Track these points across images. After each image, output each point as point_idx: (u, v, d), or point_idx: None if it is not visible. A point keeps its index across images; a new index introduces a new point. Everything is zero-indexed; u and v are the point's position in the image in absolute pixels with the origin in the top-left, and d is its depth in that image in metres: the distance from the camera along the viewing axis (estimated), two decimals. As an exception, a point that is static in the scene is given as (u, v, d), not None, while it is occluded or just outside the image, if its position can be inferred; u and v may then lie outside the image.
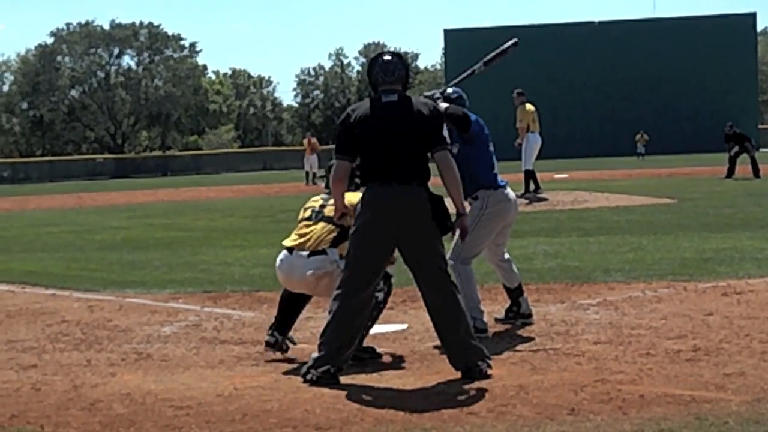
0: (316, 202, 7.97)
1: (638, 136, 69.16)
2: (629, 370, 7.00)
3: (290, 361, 7.80)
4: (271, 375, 7.33)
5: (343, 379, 7.04)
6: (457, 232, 7.38)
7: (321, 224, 7.74)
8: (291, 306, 8.01)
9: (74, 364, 7.98)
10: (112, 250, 17.56)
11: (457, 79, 8.78)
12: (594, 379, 6.74)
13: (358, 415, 6.09)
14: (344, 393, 6.66)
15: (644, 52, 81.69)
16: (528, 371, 7.11)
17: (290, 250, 7.76)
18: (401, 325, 9.07)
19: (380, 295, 7.66)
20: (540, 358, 7.56)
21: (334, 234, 7.66)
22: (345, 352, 7.07)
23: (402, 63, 7.33)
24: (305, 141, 47.74)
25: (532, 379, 6.81)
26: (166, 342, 8.81)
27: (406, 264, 7.20)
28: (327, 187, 7.99)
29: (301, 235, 7.78)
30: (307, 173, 45.27)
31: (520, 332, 8.59)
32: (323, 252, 7.64)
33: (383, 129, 7.08)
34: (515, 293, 9.00)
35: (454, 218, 7.24)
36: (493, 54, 8.81)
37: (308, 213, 7.90)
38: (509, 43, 8.86)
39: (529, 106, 24.20)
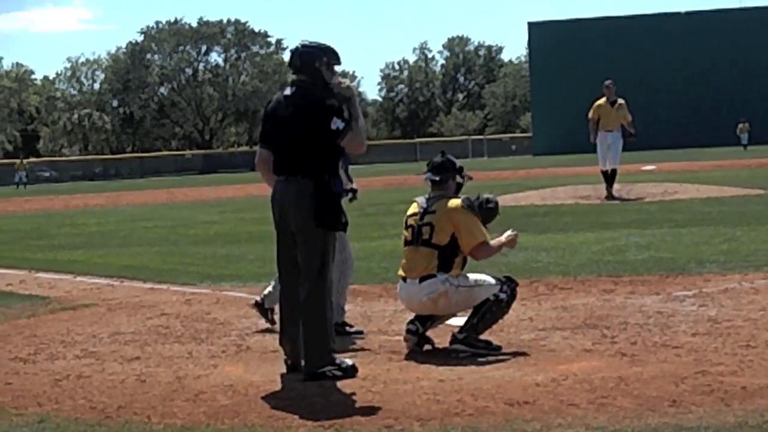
0: (414, 218, 7.96)
1: (741, 126, 67.50)
2: (730, 361, 6.95)
3: (391, 352, 7.88)
4: (369, 366, 7.37)
5: (442, 371, 7.11)
6: None
7: (420, 249, 7.82)
8: None
9: (176, 356, 8.14)
10: (206, 245, 17.84)
11: None
12: (694, 370, 6.70)
13: (459, 407, 6.12)
14: (443, 385, 6.71)
15: (732, 42, 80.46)
16: (627, 363, 7.08)
17: (404, 278, 7.91)
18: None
19: (502, 296, 7.77)
20: (638, 349, 7.52)
21: (436, 258, 7.74)
22: (285, 345, 7.38)
23: (297, 53, 7.43)
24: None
25: (631, 371, 6.79)
26: (264, 334, 8.92)
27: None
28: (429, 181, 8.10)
29: (407, 261, 7.90)
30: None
31: (616, 325, 8.55)
32: (432, 275, 7.74)
33: (277, 123, 7.37)
34: None
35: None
36: None
37: (408, 233, 7.94)
38: None
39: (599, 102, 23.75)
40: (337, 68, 7.51)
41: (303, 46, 7.45)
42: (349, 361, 7.25)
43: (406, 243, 7.98)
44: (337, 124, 7.14)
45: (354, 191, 8.38)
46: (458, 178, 8.08)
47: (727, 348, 7.40)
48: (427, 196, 8.06)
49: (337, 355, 7.26)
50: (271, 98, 7.69)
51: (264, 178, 7.80)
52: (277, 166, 7.42)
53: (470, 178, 8.23)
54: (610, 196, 22.98)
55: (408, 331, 7.92)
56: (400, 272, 7.99)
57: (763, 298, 9.42)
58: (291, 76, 7.57)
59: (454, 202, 7.87)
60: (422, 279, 7.76)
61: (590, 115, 23.60)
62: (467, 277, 7.82)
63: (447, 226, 7.78)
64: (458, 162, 8.17)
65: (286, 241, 7.33)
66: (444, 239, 7.76)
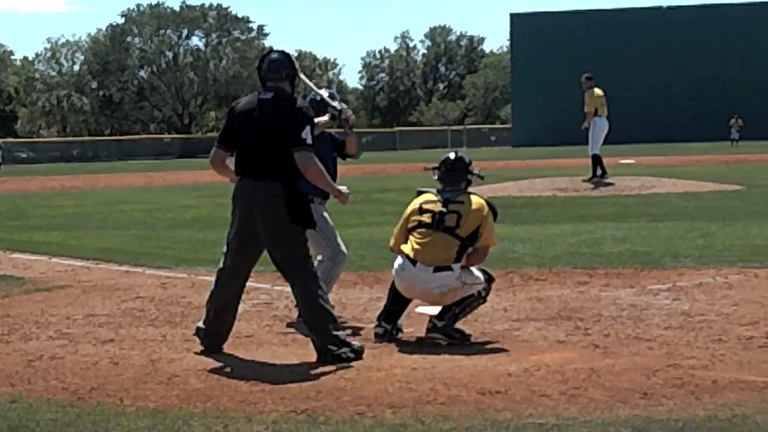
0: (434, 205, 7.87)
1: (732, 121, 67.27)
2: (701, 355, 7.00)
3: (364, 340, 7.88)
4: (343, 354, 7.38)
5: (415, 359, 7.13)
6: None
7: (441, 236, 7.74)
8: (403, 297, 7.96)
9: (150, 339, 8.14)
10: (182, 229, 17.82)
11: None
12: (666, 364, 6.74)
13: (431, 395, 6.14)
14: (416, 373, 6.73)
15: (715, 37, 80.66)
16: (599, 355, 7.12)
17: (413, 261, 7.74)
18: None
19: (484, 292, 7.87)
20: (611, 342, 7.57)
21: (456, 248, 7.71)
22: (214, 340, 7.61)
23: (288, 61, 7.53)
24: None
25: (603, 363, 6.83)
26: (239, 319, 8.85)
27: (270, 257, 7.50)
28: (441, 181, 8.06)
29: (422, 245, 7.75)
30: None
31: (590, 317, 8.59)
32: (448, 268, 7.68)
33: (249, 125, 7.37)
34: None
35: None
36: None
37: (427, 218, 7.82)
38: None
39: (597, 91, 24.05)
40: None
41: (286, 54, 7.57)
42: (357, 344, 7.34)
43: (422, 226, 7.81)
44: (306, 135, 7.25)
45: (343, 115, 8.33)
46: (468, 176, 8.08)
47: (699, 342, 7.46)
48: (440, 189, 8.01)
49: (346, 337, 7.36)
50: (239, 100, 7.76)
51: (221, 174, 7.81)
52: (242, 167, 7.45)
53: (481, 177, 8.26)
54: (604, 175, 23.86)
55: (376, 335, 7.88)
56: (408, 250, 7.79)
57: (736, 294, 9.48)
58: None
59: (481, 202, 7.88)
60: (437, 269, 7.66)
61: (591, 106, 24.07)
62: (472, 274, 7.80)
63: (474, 222, 7.75)
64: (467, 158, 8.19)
65: (247, 245, 7.47)
66: (467, 231, 7.71)
